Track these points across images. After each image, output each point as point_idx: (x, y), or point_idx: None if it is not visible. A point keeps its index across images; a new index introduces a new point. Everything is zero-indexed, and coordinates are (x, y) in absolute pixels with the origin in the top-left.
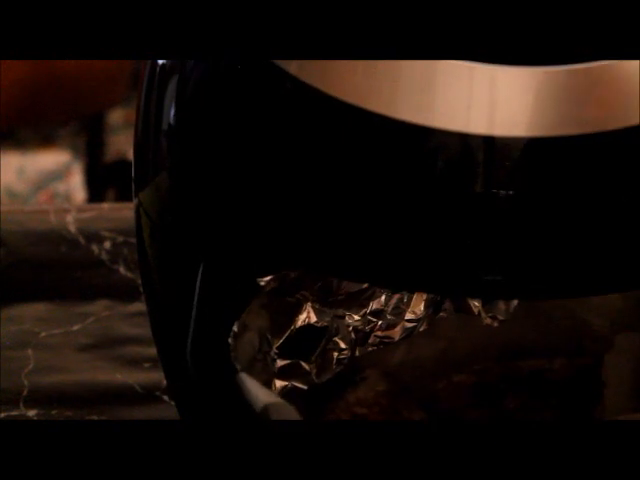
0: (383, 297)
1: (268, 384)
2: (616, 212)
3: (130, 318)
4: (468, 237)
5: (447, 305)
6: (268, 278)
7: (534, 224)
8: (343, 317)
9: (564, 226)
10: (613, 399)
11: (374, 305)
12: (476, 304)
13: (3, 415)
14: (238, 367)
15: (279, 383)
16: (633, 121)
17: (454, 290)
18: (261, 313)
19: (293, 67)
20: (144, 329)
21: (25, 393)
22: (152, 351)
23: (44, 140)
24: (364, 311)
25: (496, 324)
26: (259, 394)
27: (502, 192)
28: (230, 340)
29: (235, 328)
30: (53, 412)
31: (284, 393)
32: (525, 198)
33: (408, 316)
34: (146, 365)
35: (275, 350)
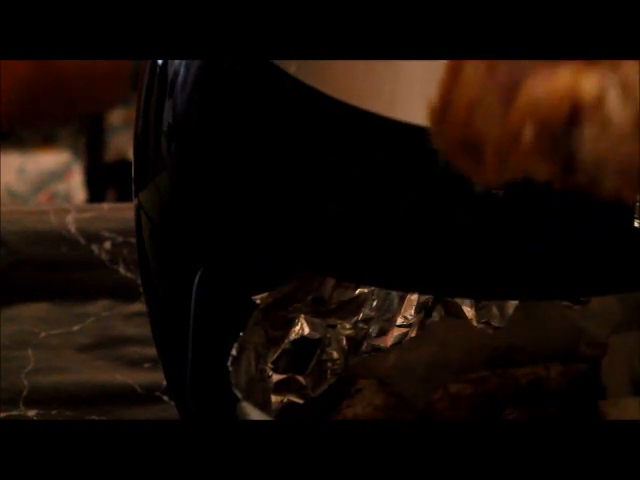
0: (374, 303)
1: (265, 404)
2: (615, 214)
3: (130, 318)
4: (468, 237)
5: (438, 309)
6: (263, 295)
7: (533, 224)
8: (335, 326)
9: (563, 226)
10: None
11: (365, 312)
12: (468, 308)
13: (3, 415)
14: (239, 395)
15: (275, 399)
16: None
17: (451, 290)
18: (256, 330)
19: (293, 67)
20: (144, 329)
21: (25, 393)
22: (152, 351)
23: (44, 140)
24: (355, 319)
25: (490, 331)
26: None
27: (501, 193)
28: (229, 365)
29: (234, 352)
30: (53, 412)
31: (281, 409)
32: (525, 199)
33: (399, 321)
34: (146, 365)
35: (270, 365)
